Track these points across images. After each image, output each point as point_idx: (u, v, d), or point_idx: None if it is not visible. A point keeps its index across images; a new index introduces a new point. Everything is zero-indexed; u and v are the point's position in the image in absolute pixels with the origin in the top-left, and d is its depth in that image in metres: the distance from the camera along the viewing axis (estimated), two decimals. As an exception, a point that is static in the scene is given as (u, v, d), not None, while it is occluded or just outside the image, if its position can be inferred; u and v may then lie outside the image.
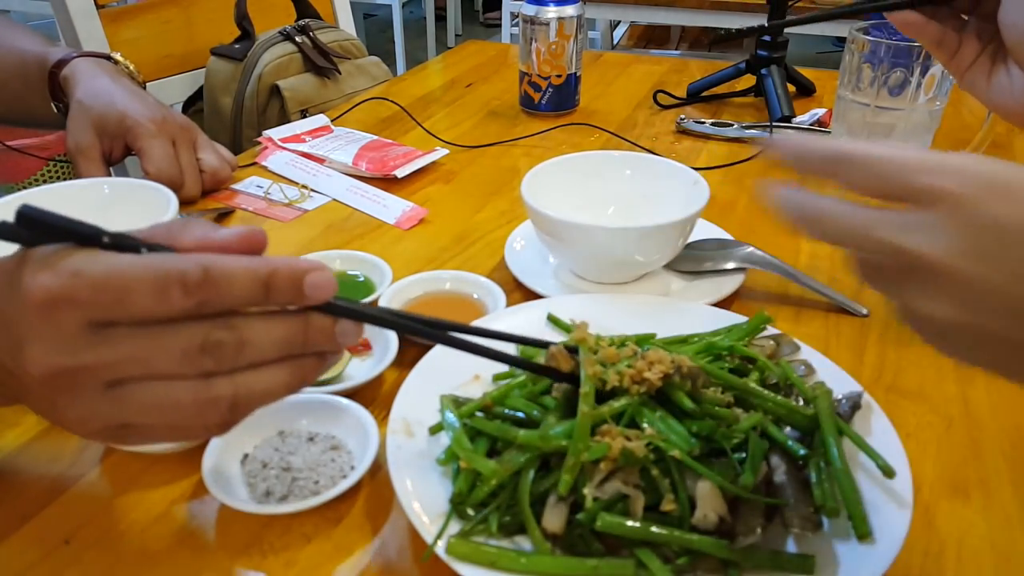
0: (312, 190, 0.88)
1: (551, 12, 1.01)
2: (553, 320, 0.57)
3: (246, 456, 0.49)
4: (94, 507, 0.47)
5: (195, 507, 0.47)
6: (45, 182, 2.71)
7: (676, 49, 2.92)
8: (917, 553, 0.43)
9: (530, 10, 1.02)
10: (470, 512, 0.42)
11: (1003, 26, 0.47)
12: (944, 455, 0.49)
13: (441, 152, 0.93)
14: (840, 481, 0.41)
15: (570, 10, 1.01)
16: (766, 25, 0.85)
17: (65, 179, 2.85)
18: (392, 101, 1.10)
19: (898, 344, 0.60)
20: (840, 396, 0.48)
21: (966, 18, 0.51)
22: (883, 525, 0.40)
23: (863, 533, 0.39)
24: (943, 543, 0.43)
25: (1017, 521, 0.45)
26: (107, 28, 1.14)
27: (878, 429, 0.46)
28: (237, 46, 1.13)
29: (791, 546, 0.40)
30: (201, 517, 0.46)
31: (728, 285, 0.65)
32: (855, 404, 0.48)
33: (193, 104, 1.20)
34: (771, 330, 0.55)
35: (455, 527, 0.41)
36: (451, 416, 0.46)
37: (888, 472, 0.42)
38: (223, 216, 0.82)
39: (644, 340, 0.53)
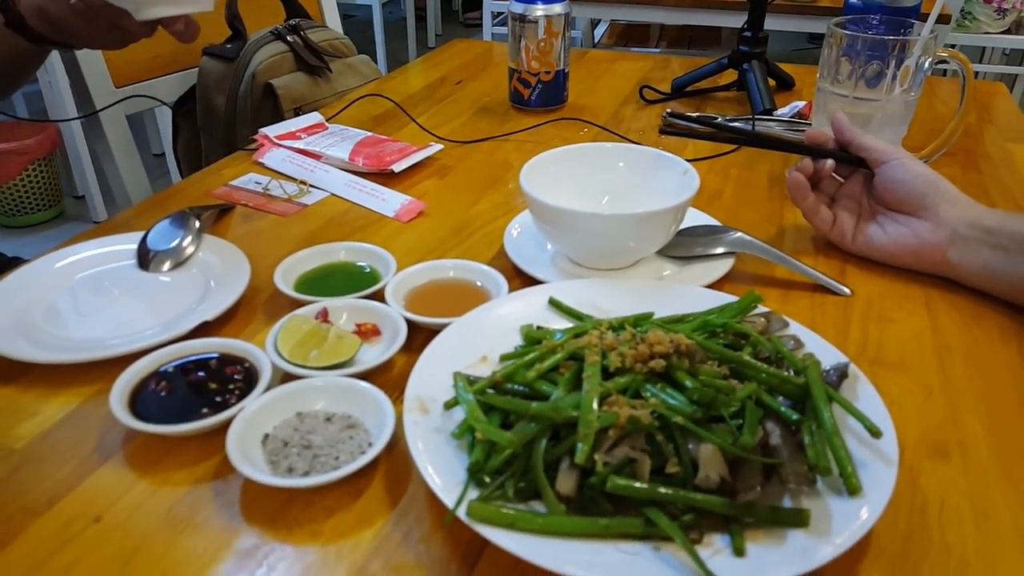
0: (311, 185, 0.90)
1: (539, 10, 1.04)
2: (555, 304, 0.60)
3: (266, 436, 0.51)
4: (121, 487, 0.49)
5: (219, 485, 0.49)
6: (26, 186, 2.67)
7: (656, 47, 2.96)
8: (903, 508, 0.46)
9: (519, 8, 1.05)
10: (486, 480, 0.44)
11: (890, 184, 0.69)
12: (925, 420, 0.53)
13: (436, 147, 0.95)
14: (831, 442, 0.44)
15: (558, 8, 1.04)
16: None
17: (47, 182, 2.81)
18: (387, 97, 1.12)
19: (880, 321, 0.63)
20: (828, 367, 0.51)
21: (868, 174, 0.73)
22: (871, 482, 0.43)
23: (854, 488, 0.42)
24: (926, 499, 0.47)
25: (993, 478, 0.48)
26: (98, 30, 1.15)
27: (864, 396, 0.50)
28: (229, 45, 1.14)
29: (787, 503, 0.43)
30: (226, 494, 0.48)
31: (719, 269, 0.68)
32: (842, 373, 0.51)
33: (185, 104, 1.21)
34: (761, 308, 0.58)
35: (473, 494, 0.43)
36: (465, 392, 0.48)
37: (875, 432, 0.45)
38: (224, 212, 0.84)
39: (643, 319, 0.55)
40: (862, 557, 0.43)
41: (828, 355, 0.53)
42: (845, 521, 0.41)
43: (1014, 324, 0.63)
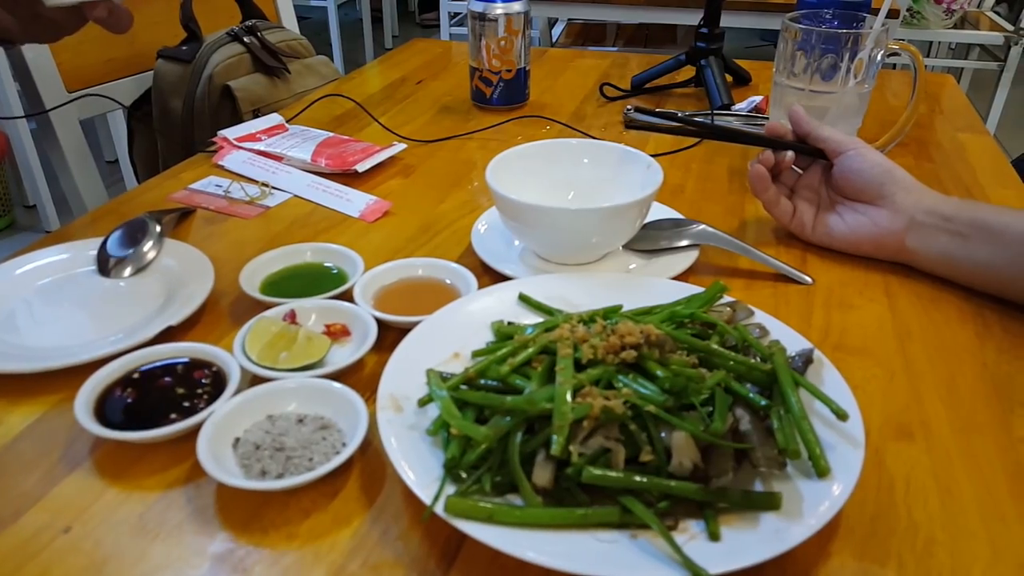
0: (272, 187, 0.89)
1: (499, 8, 1.04)
2: (524, 299, 0.60)
3: (238, 440, 0.50)
4: (90, 496, 0.48)
5: (191, 491, 0.48)
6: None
7: (613, 46, 2.99)
8: (870, 488, 0.47)
9: (478, 7, 1.05)
10: (463, 475, 0.44)
11: (848, 174, 0.71)
12: (889, 403, 0.54)
13: (399, 147, 0.95)
14: (799, 426, 0.45)
15: (517, 6, 1.04)
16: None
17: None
18: (348, 97, 1.11)
19: (841, 307, 0.65)
20: (793, 353, 0.52)
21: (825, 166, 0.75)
22: (839, 464, 0.44)
23: (823, 470, 0.43)
24: (892, 479, 0.48)
25: (956, 457, 0.50)
26: (48, 33, 1.12)
27: (829, 380, 0.51)
28: (184, 48, 1.12)
29: (759, 487, 0.44)
30: (199, 500, 0.47)
31: (683, 261, 0.69)
32: (807, 359, 0.52)
33: (141, 107, 1.19)
34: (727, 298, 0.59)
35: (450, 490, 0.43)
36: (438, 388, 0.48)
37: (842, 415, 0.46)
38: (184, 216, 0.83)
39: (612, 312, 0.56)
40: (833, 537, 0.44)
41: (793, 342, 0.54)
42: (815, 503, 0.42)
43: (970, 307, 0.65)
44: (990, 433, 0.51)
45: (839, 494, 0.42)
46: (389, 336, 0.59)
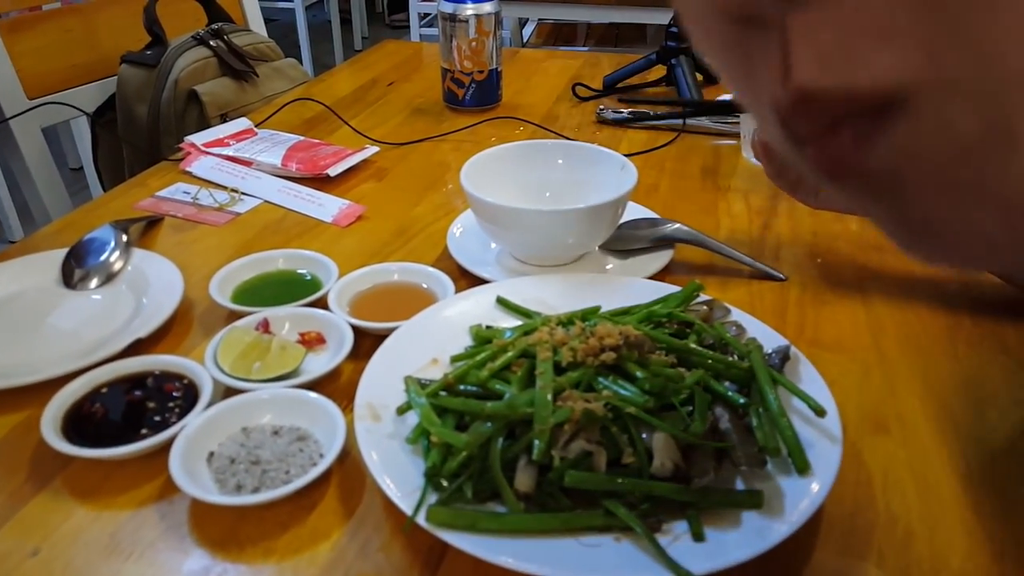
0: (242, 193, 0.87)
1: (469, 9, 1.03)
2: (502, 302, 0.60)
3: (212, 454, 0.49)
4: (58, 516, 0.46)
5: (164, 508, 0.47)
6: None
7: (584, 46, 2.99)
8: (849, 483, 0.47)
9: (448, 8, 1.04)
10: (444, 483, 0.44)
11: None
12: (865, 397, 0.55)
13: (371, 150, 0.94)
14: (778, 424, 0.45)
15: (488, 7, 1.04)
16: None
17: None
18: (317, 101, 1.10)
19: (815, 304, 0.65)
20: (770, 350, 0.53)
21: None
22: (819, 460, 0.44)
23: (802, 467, 0.43)
24: (870, 473, 0.48)
25: (932, 449, 0.50)
26: (5, 39, 1.10)
27: (806, 377, 0.51)
28: (149, 52, 1.10)
29: (740, 485, 0.44)
30: (172, 516, 0.46)
31: (659, 261, 0.69)
32: (784, 356, 0.52)
33: (105, 114, 1.17)
34: (703, 297, 0.59)
35: (431, 498, 0.43)
36: (417, 396, 0.48)
37: (819, 411, 0.46)
38: (152, 224, 0.81)
39: (590, 313, 0.56)
40: (815, 533, 0.44)
41: (769, 339, 0.54)
42: (796, 499, 0.42)
43: (941, 300, 0.66)
44: (964, 424, 0.52)
45: (819, 490, 0.42)
46: (365, 343, 0.58)
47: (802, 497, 0.42)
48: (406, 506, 0.42)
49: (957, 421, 0.52)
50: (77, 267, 0.70)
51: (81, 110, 1.13)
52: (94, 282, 0.69)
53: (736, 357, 0.51)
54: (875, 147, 0.21)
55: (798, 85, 0.20)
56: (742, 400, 0.47)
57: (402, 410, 0.49)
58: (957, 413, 0.53)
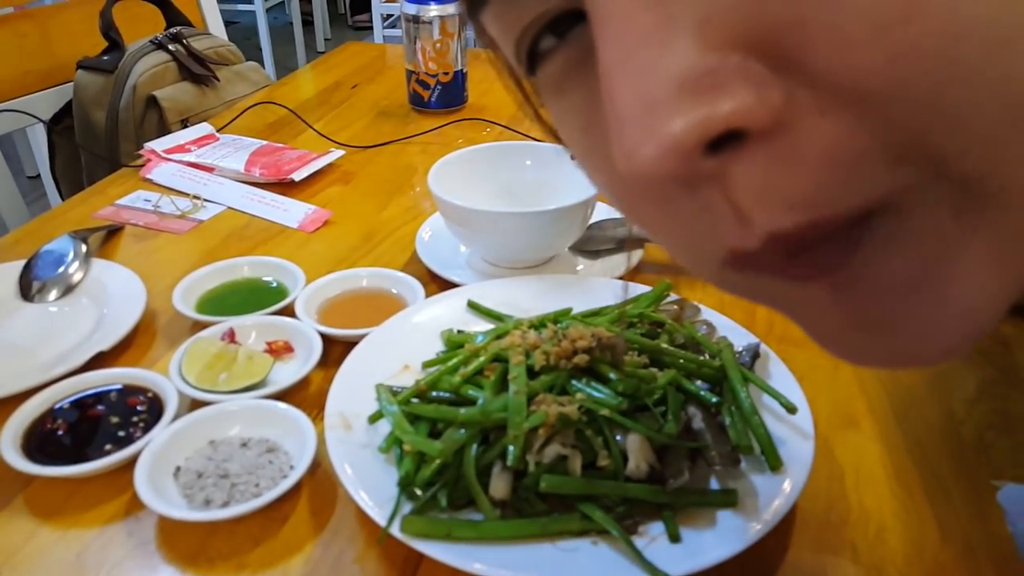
0: (205, 200, 0.86)
1: (433, 11, 1.02)
2: (474, 306, 0.59)
3: (179, 469, 0.48)
4: (21, 537, 0.45)
5: (131, 525, 0.46)
6: None
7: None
8: (822, 478, 0.47)
9: (411, 9, 1.03)
10: (418, 492, 0.43)
11: None
12: (835, 392, 0.55)
13: (336, 153, 0.93)
14: (750, 422, 0.46)
15: (452, 8, 1.03)
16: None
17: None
18: (280, 104, 1.08)
19: (784, 300, 0.66)
20: (740, 348, 0.53)
21: None
22: (791, 456, 0.44)
23: (775, 465, 0.44)
24: (843, 468, 0.49)
25: (901, 441, 0.51)
26: (-45, 45, 1.06)
27: (776, 374, 0.51)
28: (106, 57, 1.08)
29: (715, 484, 0.44)
30: (140, 534, 0.45)
31: (629, 260, 0.69)
32: (755, 354, 0.53)
33: (61, 120, 1.14)
34: (673, 296, 0.59)
35: (406, 508, 0.42)
36: (389, 403, 0.47)
37: (791, 409, 0.47)
38: (112, 233, 0.79)
39: (562, 315, 0.56)
40: (790, 530, 0.44)
41: (739, 337, 0.55)
42: (770, 497, 0.42)
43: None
44: (933, 417, 0.53)
45: (792, 487, 0.43)
46: (335, 351, 0.57)
47: (776, 494, 0.42)
48: (380, 517, 0.41)
49: (925, 414, 0.53)
50: (35, 279, 0.68)
51: (37, 117, 1.10)
52: (53, 294, 0.67)
53: (707, 356, 0.51)
54: (861, 247, 0.19)
55: (767, 231, 0.18)
56: (714, 399, 0.47)
57: (374, 418, 0.48)
58: (925, 406, 0.54)
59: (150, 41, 1.10)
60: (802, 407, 0.48)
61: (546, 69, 0.23)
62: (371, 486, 0.44)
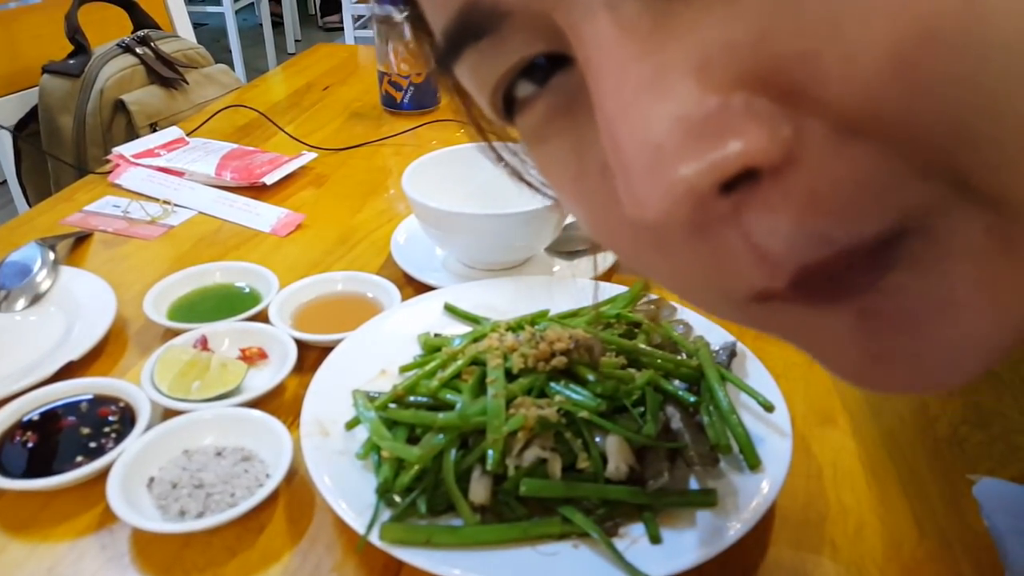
0: (175, 205, 0.85)
1: (405, 11, 1.02)
2: (450, 309, 0.59)
3: (152, 479, 0.47)
4: (-12, 555, 0.44)
5: (104, 538, 0.45)
6: None
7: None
8: (800, 476, 0.48)
9: (383, 10, 1.03)
10: (397, 499, 0.43)
11: None
12: (811, 390, 0.56)
13: (309, 156, 0.92)
14: (728, 421, 0.46)
15: (423, 9, 1.03)
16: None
17: None
18: (250, 107, 1.07)
19: (760, 298, 0.66)
20: (717, 347, 0.53)
21: None
22: (769, 455, 0.45)
23: (754, 463, 0.44)
24: (820, 465, 0.49)
25: (877, 437, 0.51)
26: (-86, 48, 1.04)
27: (753, 372, 0.52)
28: (72, 61, 1.06)
29: (694, 484, 0.44)
30: (113, 546, 0.44)
31: (606, 261, 0.69)
32: (731, 352, 0.53)
33: (27, 126, 1.12)
34: (650, 296, 0.59)
35: (384, 515, 0.42)
36: (366, 409, 0.46)
37: (768, 407, 0.47)
38: (81, 240, 0.78)
39: (539, 317, 0.56)
40: (769, 528, 0.44)
41: (716, 336, 0.55)
42: (750, 496, 0.42)
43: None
44: (908, 413, 0.53)
45: (771, 486, 0.43)
46: (310, 356, 0.57)
47: (755, 493, 0.42)
48: (358, 524, 0.41)
49: (900, 411, 0.54)
50: (1, 288, 0.66)
51: (0, 124, 1.08)
52: (20, 303, 0.65)
53: (685, 356, 0.51)
54: (890, 269, 0.18)
55: (794, 266, 0.18)
56: (692, 399, 0.47)
57: (351, 425, 0.48)
58: (900, 403, 0.54)
59: (117, 44, 1.08)
60: (779, 405, 0.48)
61: (526, 117, 0.23)
62: (349, 493, 0.43)
